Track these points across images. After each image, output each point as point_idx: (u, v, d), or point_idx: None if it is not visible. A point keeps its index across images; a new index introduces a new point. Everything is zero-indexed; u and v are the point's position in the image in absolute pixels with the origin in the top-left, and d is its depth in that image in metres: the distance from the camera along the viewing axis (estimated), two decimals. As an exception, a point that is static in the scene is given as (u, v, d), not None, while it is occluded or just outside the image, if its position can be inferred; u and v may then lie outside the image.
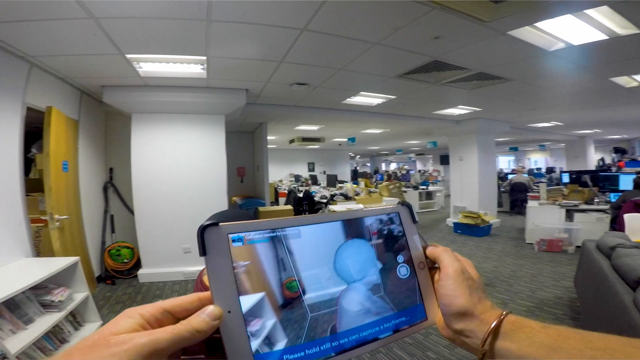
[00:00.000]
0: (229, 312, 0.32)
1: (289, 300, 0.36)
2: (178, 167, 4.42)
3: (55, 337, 2.53)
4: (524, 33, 2.78)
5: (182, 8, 2.22)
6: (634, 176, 5.45)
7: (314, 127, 8.55)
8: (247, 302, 0.34)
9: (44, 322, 2.35)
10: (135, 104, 4.14)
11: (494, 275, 4.47)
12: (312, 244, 0.40)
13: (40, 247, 3.45)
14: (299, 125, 8.14)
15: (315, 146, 12.33)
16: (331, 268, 0.40)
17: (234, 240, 0.35)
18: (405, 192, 10.64)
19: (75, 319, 2.83)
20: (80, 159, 4.06)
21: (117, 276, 4.39)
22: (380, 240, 0.44)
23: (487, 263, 5.00)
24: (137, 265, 4.50)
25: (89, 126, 4.41)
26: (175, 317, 0.31)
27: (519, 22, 2.57)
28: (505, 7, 2.31)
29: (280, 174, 15.02)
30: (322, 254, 0.40)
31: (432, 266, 0.46)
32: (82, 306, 2.88)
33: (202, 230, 0.33)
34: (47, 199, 3.18)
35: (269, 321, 0.34)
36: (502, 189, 10.14)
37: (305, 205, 8.70)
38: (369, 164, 25.61)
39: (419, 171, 18.17)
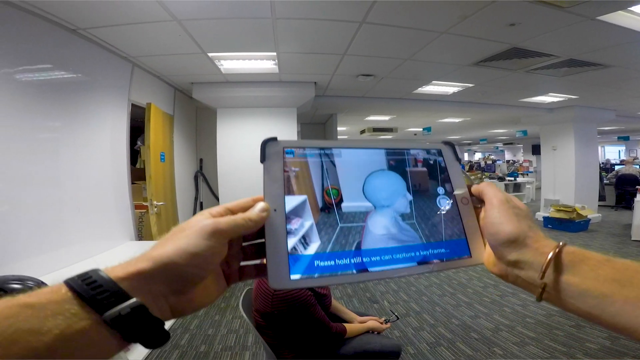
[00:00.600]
0: (275, 210, 0.37)
1: (327, 206, 0.41)
2: (256, 157, 4.63)
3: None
4: (619, 18, 2.51)
5: (249, 7, 2.35)
6: None
7: (385, 118, 8.31)
8: (291, 202, 0.39)
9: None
10: (219, 99, 4.48)
11: (586, 273, 3.96)
12: (352, 165, 0.44)
13: (143, 232, 3.96)
14: (369, 115, 8.00)
15: (388, 136, 11.96)
16: (360, 190, 0.42)
17: (287, 153, 0.41)
18: (488, 184, 9.75)
19: (165, 299, 3.17)
20: (175, 151, 4.53)
21: (203, 259, 4.84)
22: (418, 172, 0.45)
23: (580, 260, 4.43)
24: (221, 249, 4.90)
25: (182, 120, 4.90)
26: (234, 214, 0.36)
27: (608, 7, 2.34)
28: None
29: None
30: (358, 175, 0.43)
31: (477, 206, 0.44)
32: (171, 288, 3.22)
33: (265, 143, 0.41)
34: (147, 187, 3.62)
35: (308, 222, 0.39)
36: (606, 182, 8.97)
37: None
38: (448, 154, 24.06)
39: (507, 161, 16.58)
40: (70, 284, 0.26)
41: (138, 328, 0.27)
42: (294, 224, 0.38)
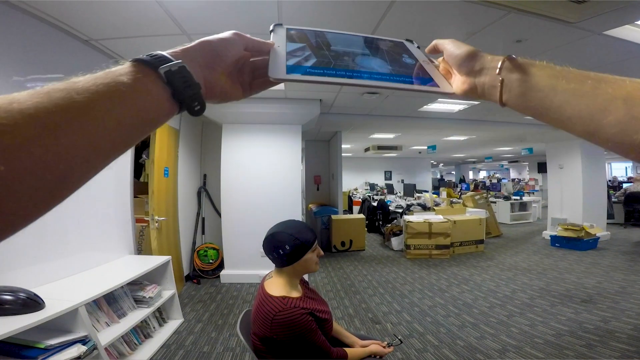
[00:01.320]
0: (279, 46, 0.48)
1: (321, 47, 0.52)
2: (259, 174, 4.70)
3: (141, 331, 2.73)
4: (627, 32, 2.49)
5: (257, 23, 2.40)
6: None
7: (390, 135, 8.34)
8: (292, 45, 0.50)
9: (134, 317, 2.51)
10: (225, 115, 4.53)
11: (596, 291, 3.93)
12: (340, 38, 0.57)
13: (143, 246, 3.93)
14: (374, 133, 8.04)
15: (392, 154, 12.00)
16: (347, 50, 0.54)
17: (289, 29, 0.54)
18: (493, 202, 9.67)
19: (161, 315, 3.07)
20: (179, 165, 4.53)
21: (202, 276, 4.79)
22: (390, 48, 0.58)
23: (588, 278, 4.41)
24: (221, 265, 4.84)
25: (188, 135, 4.91)
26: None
27: (615, 22, 2.33)
28: (591, 7, 2.09)
29: (355, 182, 15.02)
30: (345, 46, 0.55)
31: (437, 66, 0.55)
32: (168, 303, 3.11)
33: (274, 25, 0.54)
34: (150, 202, 3.61)
35: (307, 52, 0.49)
36: (614, 199, 8.99)
37: (379, 214, 8.45)
38: (453, 172, 24.04)
39: (513, 180, 16.47)
40: (134, 58, 0.35)
41: (183, 87, 0.36)
42: (294, 54, 0.48)
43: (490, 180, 15.52)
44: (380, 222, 8.29)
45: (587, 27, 2.38)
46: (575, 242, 6.05)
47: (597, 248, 6.13)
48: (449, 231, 5.81)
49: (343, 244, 6.49)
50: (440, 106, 5.00)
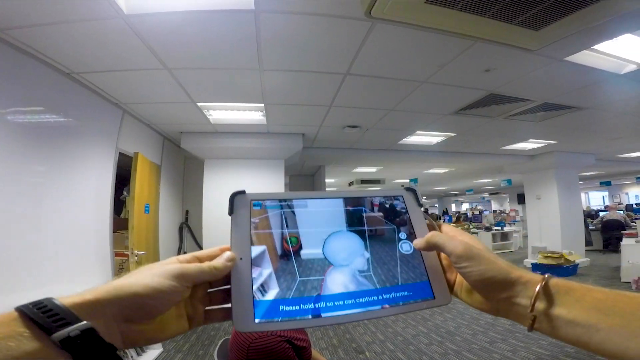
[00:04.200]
0: (241, 259, 0.40)
1: (286, 253, 0.42)
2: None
3: (118, 361, 2.64)
4: (585, 58, 2.60)
5: (237, 59, 2.49)
6: None
7: (373, 169, 8.55)
8: (257, 250, 0.41)
9: (111, 346, 2.48)
10: (208, 150, 4.59)
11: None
12: (315, 214, 0.46)
13: (122, 279, 3.81)
14: (357, 167, 8.22)
15: (376, 188, 12.20)
16: (320, 240, 0.44)
17: (254, 205, 0.44)
18: (475, 233, 9.83)
19: (139, 345, 2.99)
20: (160, 201, 4.50)
21: (184, 310, 4.62)
22: (377, 221, 0.46)
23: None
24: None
25: (170, 170, 4.93)
26: (202, 262, 0.39)
27: (574, 47, 2.42)
28: (549, 34, 2.19)
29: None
30: (320, 227, 0.45)
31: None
32: (147, 333, 3.04)
33: (233, 196, 0.44)
34: (130, 237, 3.57)
35: (266, 270, 0.41)
36: (591, 227, 9.38)
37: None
38: (436, 205, 24.41)
39: (494, 211, 16.85)
40: (21, 309, 0.27)
41: (88, 351, 0.27)
42: (254, 272, 0.40)
43: (473, 212, 15.83)
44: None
45: (549, 53, 2.47)
46: (556, 269, 6.16)
47: (578, 274, 6.28)
48: (432, 261, 5.85)
49: (328, 277, 6.41)
50: (419, 139, 5.19)
